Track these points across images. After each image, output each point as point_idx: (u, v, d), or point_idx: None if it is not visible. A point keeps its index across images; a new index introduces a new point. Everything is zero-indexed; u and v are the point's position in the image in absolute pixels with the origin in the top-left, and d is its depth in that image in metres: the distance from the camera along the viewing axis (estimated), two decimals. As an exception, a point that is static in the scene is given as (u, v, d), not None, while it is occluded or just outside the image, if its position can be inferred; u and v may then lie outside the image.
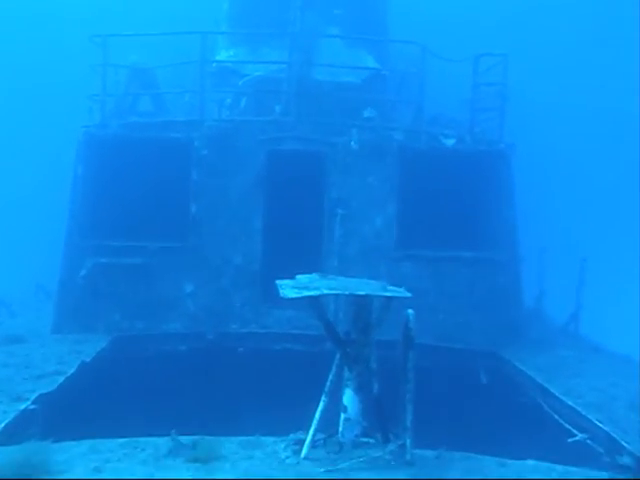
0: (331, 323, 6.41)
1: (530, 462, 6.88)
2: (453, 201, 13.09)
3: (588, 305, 15.02)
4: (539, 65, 20.89)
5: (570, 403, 9.26)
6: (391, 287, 6.47)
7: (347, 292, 6.08)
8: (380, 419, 6.54)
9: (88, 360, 10.42)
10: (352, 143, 12.60)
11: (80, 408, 8.93)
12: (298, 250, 12.76)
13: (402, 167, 12.66)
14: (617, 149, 21.95)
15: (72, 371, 9.76)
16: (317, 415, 6.45)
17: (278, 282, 6.45)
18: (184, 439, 6.82)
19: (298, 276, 6.83)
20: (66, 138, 13.51)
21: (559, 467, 6.87)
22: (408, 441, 6.35)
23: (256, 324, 12.51)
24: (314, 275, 6.90)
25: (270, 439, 6.90)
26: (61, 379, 9.28)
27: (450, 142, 12.79)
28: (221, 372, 12.01)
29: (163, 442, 6.80)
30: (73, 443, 6.73)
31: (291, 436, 6.82)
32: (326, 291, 5.97)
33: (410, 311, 6.45)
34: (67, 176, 12.71)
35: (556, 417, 9.83)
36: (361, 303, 6.44)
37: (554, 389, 9.94)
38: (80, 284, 12.19)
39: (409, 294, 6.27)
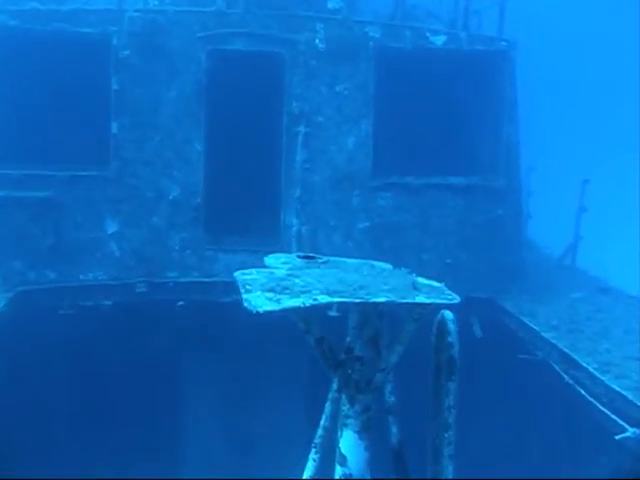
0: (326, 339, 3.95)
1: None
2: (442, 115, 10.64)
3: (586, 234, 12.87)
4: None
5: (616, 387, 7.13)
6: (422, 280, 4.02)
7: (358, 299, 3.60)
8: (402, 482, 4.19)
9: None
10: (317, 42, 9.89)
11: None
12: (251, 179, 10.31)
13: (380, 72, 10.02)
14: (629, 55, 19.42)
15: None
16: (304, 481, 4.07)
17: (239, 277, 3.92)
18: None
19: (268, 259, 4.29)
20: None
21: None
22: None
23: (199, 272, 10.01)
24: (292, 257, 4.36)
25: None
26: None
27: (440, 40, 10.14)
28: (157, 332, 9.77)
29: None
30: None
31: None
32: (323, 299, 3.49)
33: (447, 314, 4.02)
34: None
35: (583, 392, 7.77)
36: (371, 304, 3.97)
37: (586, 362, 7.80)
38: (-32, 225, 9.46)
39: (457, 298, 3.83)
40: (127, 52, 9.58)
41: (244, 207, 10.19)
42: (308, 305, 3.47)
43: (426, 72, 10.23)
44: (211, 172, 9.94)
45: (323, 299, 3.51)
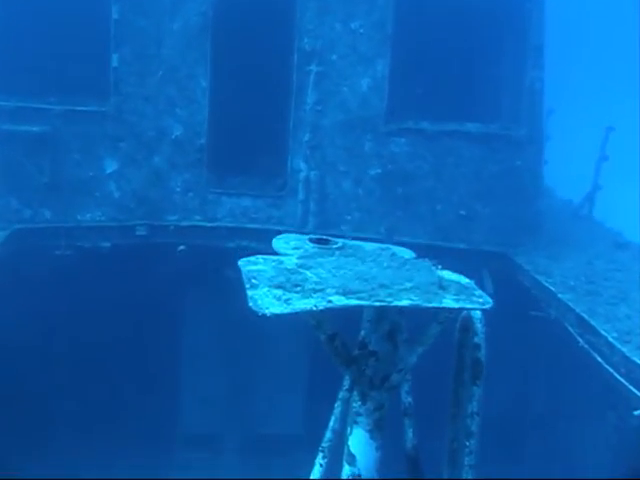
0: (338, 335, 3.55)
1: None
2: (462, 57, 9.98)
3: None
4: None
5: (637, 360, 6.76)
6: (449, 274, 3.58)
7: (377, 302, 3.18)
8: (416, 490, 3.85)
9: None
10: None
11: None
12: (258, 119, 9.74)
13: (399, 8, 9.34)
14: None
15: None
16: (309, 488, 3.73)
17: (243, 267, 3.49)
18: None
19: (276, 241, 3.85)
20: None
21: None
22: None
23: (202, 215, 9.60)
24: (304, 240, 3.91)
25: None
26: None
27: (465, -25, 9.46)
28: (156, 277, 9.35)
29: None
30: None
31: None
32: (338, 300, 3.08)
33: (475, 312, 3.61)
34: None
35: (599, 360, 7.44)
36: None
37: (605, 330, 7.43)
38: (-41, 159, 9.00)
39: (489, 302, 3.39)
40: (129, -21, 8.95)
41: (250, 150, 9.68)
42: (321, 308, 3.06)
43: (448, 10, 9.55)
44: (216, 111, 9.38)
45: (338, 301, 3.09)
